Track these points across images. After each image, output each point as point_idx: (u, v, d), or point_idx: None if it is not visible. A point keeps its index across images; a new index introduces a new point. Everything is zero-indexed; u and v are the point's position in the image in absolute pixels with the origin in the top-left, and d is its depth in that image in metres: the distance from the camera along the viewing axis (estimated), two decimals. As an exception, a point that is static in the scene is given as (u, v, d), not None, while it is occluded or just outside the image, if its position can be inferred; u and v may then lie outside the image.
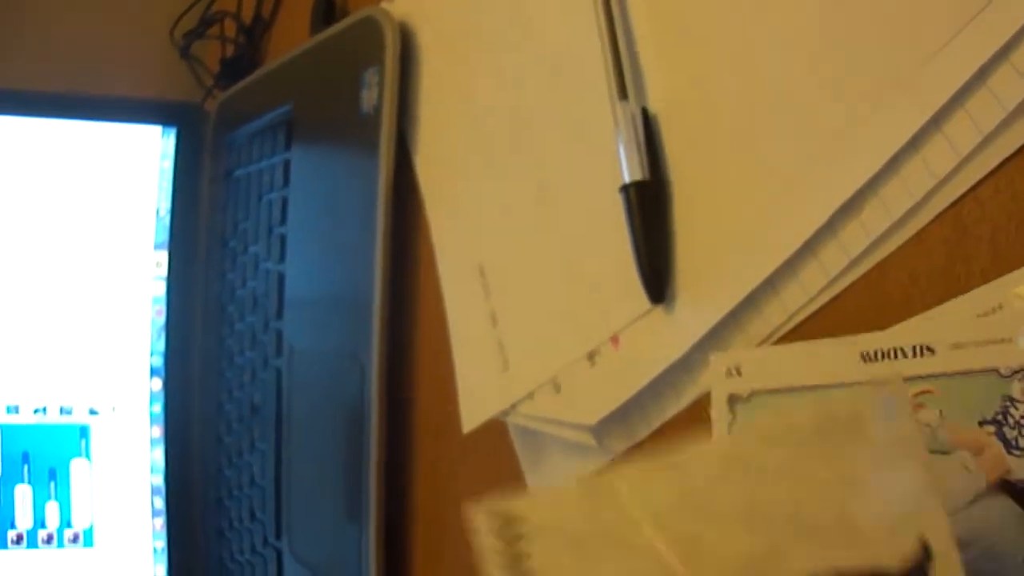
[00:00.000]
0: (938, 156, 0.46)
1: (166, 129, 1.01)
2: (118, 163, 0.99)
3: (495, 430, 0.68)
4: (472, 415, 0.70)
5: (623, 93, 0.58)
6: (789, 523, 0.37)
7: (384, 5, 0.83)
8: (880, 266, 0.48)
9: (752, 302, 0.52)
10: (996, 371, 0.45)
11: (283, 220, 0.90)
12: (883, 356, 0.46)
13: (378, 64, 0.80)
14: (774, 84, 0.53)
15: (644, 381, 0.56)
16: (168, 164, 1.01)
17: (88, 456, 0.96)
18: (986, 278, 0.45)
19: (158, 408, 1.00)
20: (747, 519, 0.38)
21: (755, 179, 0.53)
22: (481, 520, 0.41)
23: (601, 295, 0.61)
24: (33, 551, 0.95)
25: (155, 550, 0.98)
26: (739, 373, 0.51)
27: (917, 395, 0.47)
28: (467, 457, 0.73)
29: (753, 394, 0.50)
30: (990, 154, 0.45)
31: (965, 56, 0.45)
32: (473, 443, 0.71)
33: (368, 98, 0.79)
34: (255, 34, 1.09)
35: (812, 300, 0.50)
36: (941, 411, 0.47)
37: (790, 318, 0.51)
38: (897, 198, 0.47)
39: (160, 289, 1.00)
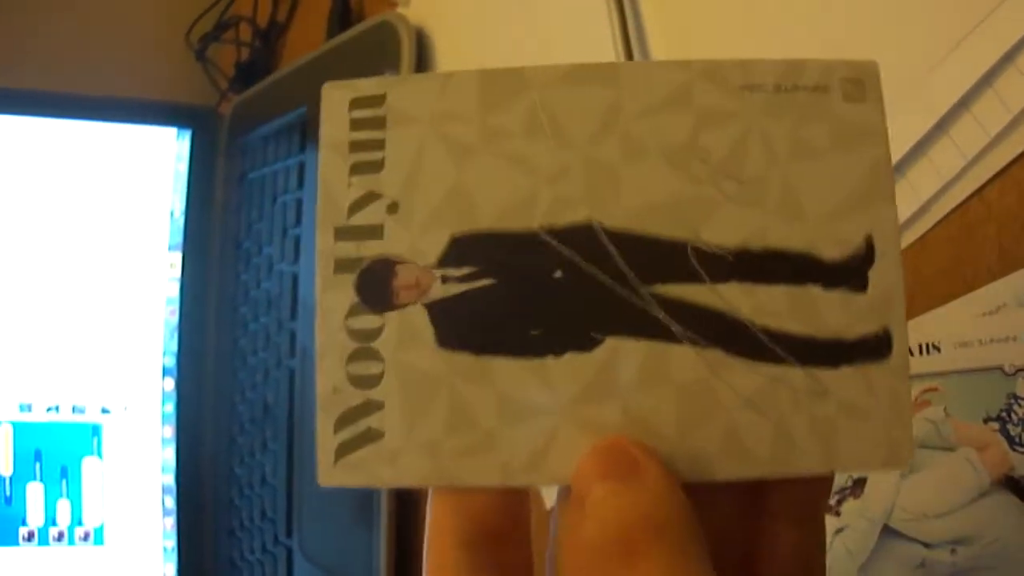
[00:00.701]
0: (945, 159, 0.47)
1: (181, 131, 1.02)
2: (133, 165, 0.99)
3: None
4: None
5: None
6: (726, 176, 0.34)
7: (400, 10, 0.84)
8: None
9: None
10: (1001, 369, 0.46)
11: (298, 222, 0.91)
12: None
13: (394, 68, 0.80)
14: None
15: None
16: (183, 166, 1.01)
17: (100, 455, 0.97)
18: (992, 277, 0.46)
19: (170, 408, 1.00)
20: (678, 161, 0.34)
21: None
22: (332, 97, 0.36)
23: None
24: (44, 548, 0.95)
25: (165, 549, 0.99)
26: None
27: (923, 392, 0.48)
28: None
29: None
30: (996, 156, 0.45)
31: (971, 60, 0.46)
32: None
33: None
34: (270, 38, 1.10)
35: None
36: (946, 408, 0.47)
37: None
38: (906, 200, 0.48)
39: (174, 290, 1.00)
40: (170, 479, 0.99)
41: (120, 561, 0.97)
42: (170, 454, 0.99)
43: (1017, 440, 0.46)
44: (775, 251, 0.33)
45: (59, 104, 0.98)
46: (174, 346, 1.00)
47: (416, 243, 0.34)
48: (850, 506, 0.52)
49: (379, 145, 0.35)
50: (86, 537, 0.96)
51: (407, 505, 0.78)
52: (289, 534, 0.87)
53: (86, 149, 0.98)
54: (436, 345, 0.34)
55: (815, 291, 0.33)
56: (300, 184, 0.90)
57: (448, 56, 0.81)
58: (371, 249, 0.34)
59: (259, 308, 0.95)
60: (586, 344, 0.33)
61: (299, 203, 0.91)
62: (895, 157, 0.47)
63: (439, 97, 0.35)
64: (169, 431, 1.00)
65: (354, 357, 0.34)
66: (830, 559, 0.51)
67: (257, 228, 0.97)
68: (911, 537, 0.49)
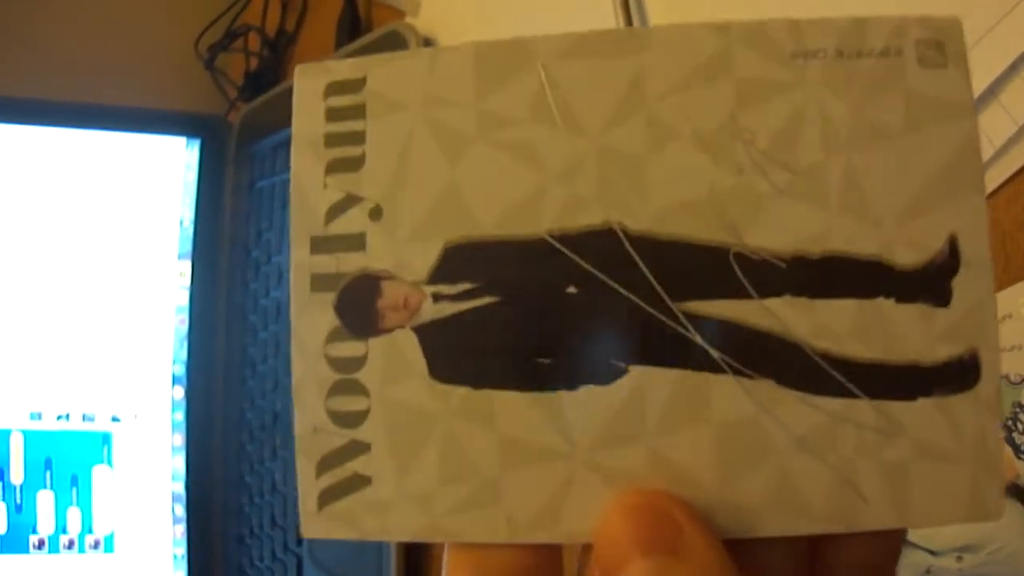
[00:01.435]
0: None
1: (190, 140, 1.02)
2: (142, 174, 0.99)
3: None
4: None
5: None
6: (775, 165, 0.27)
7: (409, 20, 0.84)
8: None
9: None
10: (1006, 378, 0.46)
11: (307, 230, 0.90)
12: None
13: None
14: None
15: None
16: (192, 175, 1.01)
17: (110, 463, 0.97)
18: (998, 287, 0.46)
19: (180, 416, 1.00)
20: (716, 147, 0.28)
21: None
22: (304, 84, 0.31)
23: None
24: (54, 556, 0.95)
25: (175, 556, 0.99)
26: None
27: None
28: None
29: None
30: (1001, 167, 0.46)
31: (975, 73, 0.46)
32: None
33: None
34: (279, 48, 1.10)
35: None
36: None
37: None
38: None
39: (183, 298, 1.00)
40: (180, 487, 0.99)
41: (130, 569, 0.97)
42: (180, 462, 0.99)
43: (1022, 448, 0.46)
44: (837, 257, 0.27)
45: (69, 114, 0.98)
46: (184, 354, 1.00)
47: (403, 255, 0.29)
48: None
49: (359, 138, 0.30)
50: (96, 545, 0.96)
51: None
52: (299, 542, 0.87)
53: (95, 158, 0.98)
54: (428, 377, 0.29)
55: (886, 306, 0.27)
56: (310, 193, 0.90)
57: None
58: (352, 263, 0.30)
59: (269, 316, 0.95)
60: (606, 375, 0.28)
61: (309, 212, 0.90)
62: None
63: (427, 78, 0.30)
64: (179, 439, 1.00)
65: (336, 390, 0.29)
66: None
67: (267, 237, 0.97)
68: (917, 545, 0.49)
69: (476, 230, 0.29)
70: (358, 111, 0.30)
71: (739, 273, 0.27)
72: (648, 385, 0.27)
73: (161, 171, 1.01)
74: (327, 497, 0.29)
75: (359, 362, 0.29)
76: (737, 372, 0.27)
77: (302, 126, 0.30)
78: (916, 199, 0.27)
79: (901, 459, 0.27)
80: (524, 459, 0.28)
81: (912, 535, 0.49)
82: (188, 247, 1.01)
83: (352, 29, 0.94)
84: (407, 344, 0.29)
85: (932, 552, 0.49)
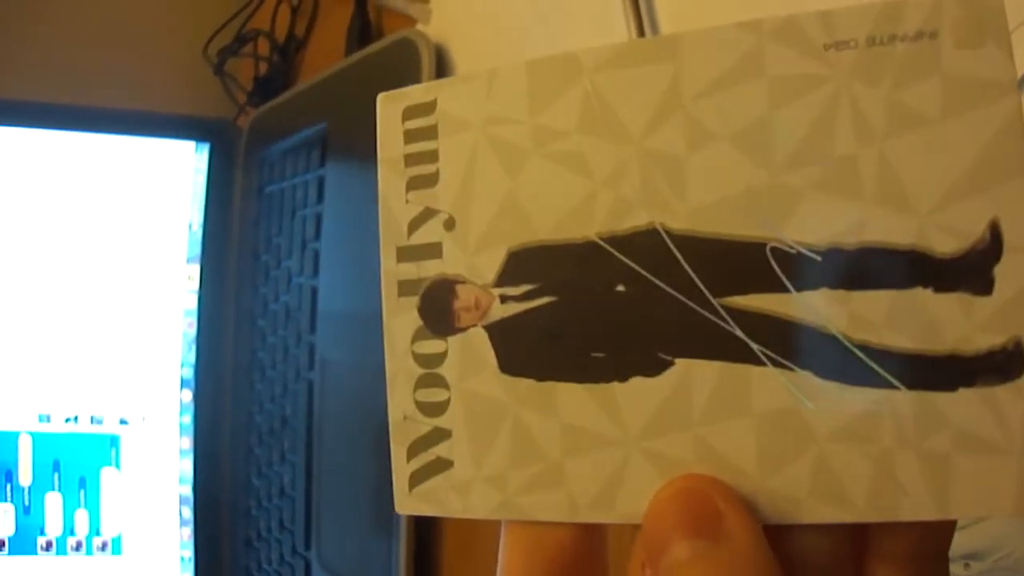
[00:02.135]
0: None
1: (199, 145, 1.02)
2: (151, 178, 1.00)
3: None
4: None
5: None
6: (810, 159, 0.27)
7: (420, 27, 0.84)
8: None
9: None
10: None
11: (317, 235, 0.91)
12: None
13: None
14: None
15: None
16: (201, 179, 1.02)
17: (118, 465, 0.97)
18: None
19: (188, 419, 1.00)
20: (751, 145, 0.28)
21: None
22: (387, 109, 0.34)
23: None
24: (62, 558, 0.95)
25: (183, 559, 0.99)
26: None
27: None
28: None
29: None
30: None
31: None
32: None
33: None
34: (288, 53, 1.10)
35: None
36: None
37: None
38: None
39: (192, 302, 1.01)
40: (187, 490, 1.00)
41: (138, 571, 0.98)
42: (187, 465, 1.00)
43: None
44: (875, 247, 0.27)
45: (78, 117, 0.99)
46: (192, 358, 1.01)
47: (473, 261, 0.32)
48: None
49: (433, 156, 0.32)
50: (104, 547, 0.96)
51: (426, 517, 0.78)
52: (307, 545, 0.88)
53: (105, 162, 0.98)
54: (498, 371, 0.31)
55: (925, 295, 0.26)
56: (320, 199, 0.91)
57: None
58: (430, 269, 0.32)
59: (278, 321, 0.96)
60: (654, 367, 0.29)
61: (319, 217, 0.91)
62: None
63: (487, 97, 0.32)
64: (187, 442, 1.00)
65: (421, 383, 0.32)
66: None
67: (276, 242, 0.97)
68: (926, 552, 0.49)
69: (534, 236, 0.31)
70: (431, 131, 0.32)
71: (776, 267, 0.28)
72: (693, 377, 0.29)
73: (170, 175, 1.01)
74: (416, 479, 0.32)
75: (440, 358, 0.32)
76: (777, 364, 0.28)
77: (387, 148, 0.33)
78: (955, 185, 0.26)
79: (943, 450, 0.26)
80: (583, 445, 0.30)
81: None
82: (197, 251, 1.01)
83: (362, 35, 0.94)
84: (479, 341, 0.32)
85: (940, 560, 0.49)
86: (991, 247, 0.26)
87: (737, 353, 0.28)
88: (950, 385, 0.26)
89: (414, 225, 0.33)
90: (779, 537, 0.27)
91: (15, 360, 0.95)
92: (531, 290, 0.31)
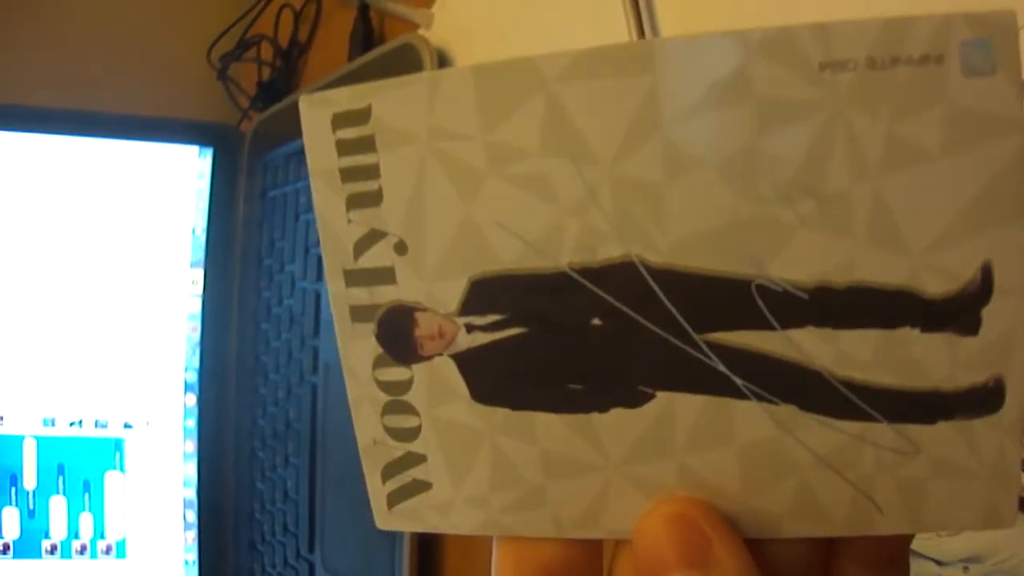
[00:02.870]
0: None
1: (203, 150, 1.02)
2: (155, 182, 1.00)
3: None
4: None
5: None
6: (800, 192, 0.25)
7: (422, 32, 0.84)
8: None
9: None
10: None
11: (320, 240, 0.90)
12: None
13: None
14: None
15: None
16: (204, 184, 1.02)
17: (122, 469, 0.97)
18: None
19: (192, 423, 1.01)
20: (736, 174, 0.26)
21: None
22: (311, 116, 0.29)
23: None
24: (67, 561, 0.95)
25: (187, 562, 0.99)
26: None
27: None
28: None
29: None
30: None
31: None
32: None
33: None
34: (291, 58, 1.10)
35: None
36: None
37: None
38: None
39: (195, 306, 1.01)
40: (192, 493, 1.00)
41: (142, 574, 0.98)
42: (192, 468, 1.00)
43: (1028, 462, 0.46)
44: (864, 288, 0.26)
45: (81, 122, 0.99)
46: (196, 362, 1.01)
47: (432, 289, 0.29)
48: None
49: (373, 172, 0.29)
50: (108, 550, 0.96)
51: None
52: (311, 549, 0.88)
53: (108, 167, 0.99)
54: (471, 399, 0.29)
55: (913, 335, 0.26)
56: (323, 203, 0.90)
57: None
58: (385, 295, 0.30)
59: (281, 325, 0.96)
60: (635, 400, 0.28)
61: (322, 222, 0.90)
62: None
63: (429, 107, 0.28)
64: (191, 446, 1.00)
65: (389, 409, 0.30)
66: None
67: (280, 246, 0.98)
68: (925, 555, 0.49)
69: (498, 265, 0.28)
70: (368, 143, 0.29)
71: (761, 305, 0.26)
72: (675, 409, 0.28)
73: (174, 180, 1.01)
74: (394, 499, 0.31)
75: (406, 385, 0.30)
76: (760, 398, 0.27)
77: (316, 161, 0.30)
78: (950, 226, 0.25)
79: (919, 476, 0.26)
80: (565, 470, 0.29)
81: (919, 546, 0.50)
82: (200, 255, 1.02)
83: (365, 41, 0.94)
84: (447, 370, 0.30)
85: (938, 562, 0.49)
86: (981, 289, 0.25)
87: (720, 387, 0.27)
88: (930, 419, 0.26)
89: (360, 247, 0.30)
90: (756, 546, 0.28)
91: (20, 364, 0.95)
92: (499, 320, 0.29)
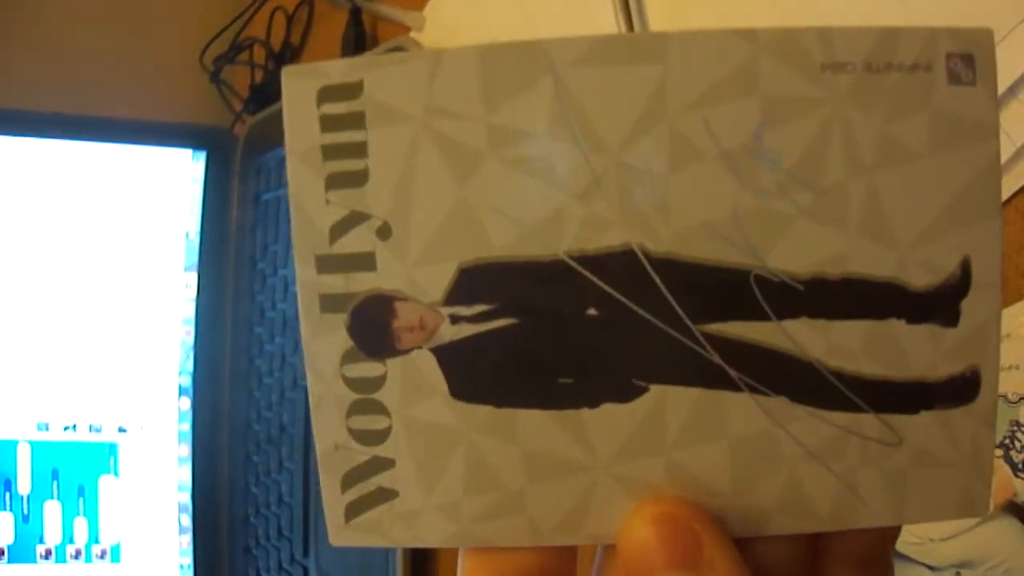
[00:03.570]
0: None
1: (196, 153, 1.02)
2: (148, 186, 1.00)
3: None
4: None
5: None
6: (799, 185, 0.26)
7: (414, 34, 0.84)
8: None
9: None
10: (1004, 397, 0.46)
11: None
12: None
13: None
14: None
15: None
16: (198, 187, 1.02)
17: (116, 473, 0.97)
18: (995, 307, 0.46)
19: (186, 427, 1.00)
20: (739, 166, 0.27)
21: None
22: (294, 88, 0.28)
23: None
24: (61, 566, 0.95)
25: (181, 566, 0.99)
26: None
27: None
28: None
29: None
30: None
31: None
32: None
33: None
34: (284, 61, 1.10)
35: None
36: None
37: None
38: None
39: (189, 310, 1.01)
40: (186, 497, 1.00)
41: (137, 578, 0.98)
42: (186, 473, 1.00)
43: (1020, 467, 0.46)
44: (856, 279, 0.27)
45: (74, 126, 0.99)
46: (190, 366, 1.01)
47: (416, 276, 0.28)
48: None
49: (360, 150, 0.28)
50: (103, 555, 0.96)
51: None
52: (306, 552, 0.88)
53: (102, 171, 0.98)
54: (449, 396, 0.28)
55: (899, 326, 0.27)
56: (316, 206, 0.90)
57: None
58: (362, 283, 0.28)
59: (275, 329, 0.96)
60: (627, 394, 0.28)
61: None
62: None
63: (429, 85, 0.27)
64: (185, 450, 1.00)
65: (355, 409, 0.29)
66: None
67: (273, 249, 0.98)
68: (917, 561, 0.49)
69: (491, 251, 0.27)
70: (357, 120, 0.28)
71: (759, 295, 0.27)
72: (668, 403, 0.28)
73: (167, 183, 1.01)
74: (354, 510, 0.29)
75: (378, 382, 0.29)
76: (753, 390, 0.27)
77: (295, 137, 0.28)
78: (934, 222, 0.27)
79: (901, 467, 0.27)
80: (548, 471, 0.28)
81: (911, 552, 0.50)
82: (194, 259, 1.01)
83: (357, 43, 0.94)
84: (426, 364, 0.28)
85: (931, 568, 0.49)
86: (961, 282, 0.27)
87: (715, 379, 0.28)
88: (912, 409, 0.28)
89: (338, 231, 0.28)
90: (742, 547, 0.28)
91: (13, 368, 0.95)
92: (487, 311, 0.28)
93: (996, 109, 0.27)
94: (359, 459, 0.29)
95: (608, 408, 0.28)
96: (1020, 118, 0.46)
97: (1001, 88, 0.46)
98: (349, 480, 0.29)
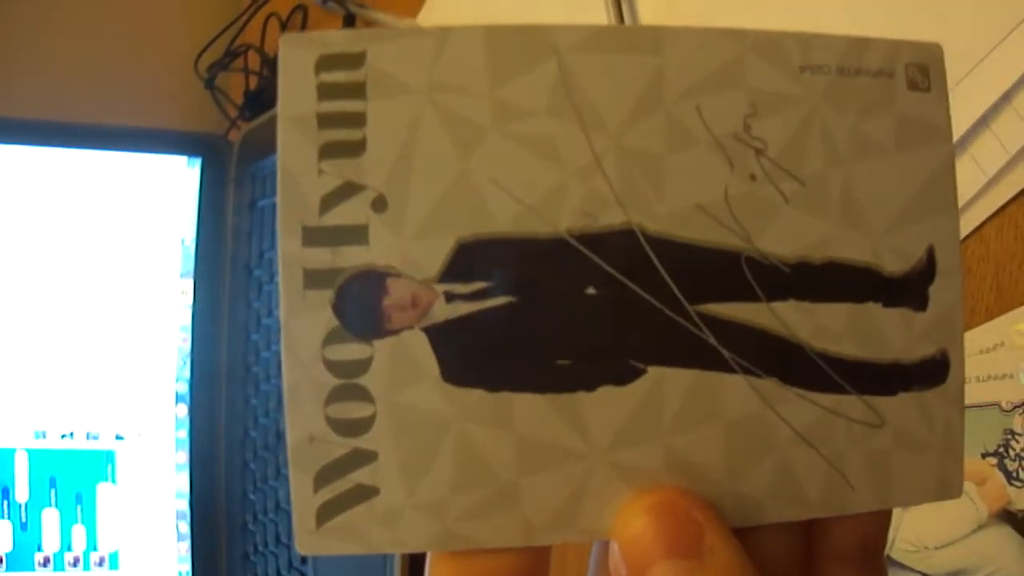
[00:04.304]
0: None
1: (191, 160, 1.02)
2: (144, 193, 1.00)
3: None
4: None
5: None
6: (785, 174, 0.28)
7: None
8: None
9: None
10: (998, 405, 0.47)
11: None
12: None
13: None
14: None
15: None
16: (193, 194, 1.02)
17: (114, 481, 0.97)
18: (989, 316, 0.46)
19: (183, 434, 1.00)
20: (730, 153, 0.28)
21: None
22: (292, 55, 0.27)
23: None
24: (60, 574, 0.95)
25: (180, 573, 0.99)
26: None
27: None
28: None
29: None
30: (993, 196, 0.46)
31: (968, 102, 0.47)
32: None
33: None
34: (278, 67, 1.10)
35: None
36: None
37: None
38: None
39: (186, 317, 1.01)
40: (184, 504, 1.00)
41: (135, 586, 0.98)
42: (184, 480, 1.00)
43: (1014, 475, 0.46)
44: (837, 264, 0.29)
45: (69, 134, 0.99)
46: (187, 373, 1.01)
47: (411, 250, 0.27)
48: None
49: (358, 120, 0.27)
50: (101, 562, 0.96)
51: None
52: (304, 559, 0.88)
53: (97, 178, 0.98)
54: (440, 380, 0.27)
55: (876, 309, 0.29)
56: (311, 214, 0.90)
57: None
58: (352, 258, 0.27)
59: (272, 335, 0.96)
60: (625, 375, 0.27)
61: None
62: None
63: (434, 61, 0.27)
64: (183, 457, 1.00)
65: (335, 396, 0.27)
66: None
67: (269, 256, 0.98)
68: (912, 568, 0.49)
69: (490, 227, 0.27)
70: (357, 90, 0.27)
71: (749, 277, 0.28)
72: (664, 385, 0.28)
73: (162, 190, 1.01)
74: (327, 512, 0.27)
75: (363, 365, 0.27)
76: (747, 371, 0.28)
77: (290, 104, 0.27)
78: (902, 212, 0.29)
79: (884, 449, 0.29)
80: (542, 460, 0.27)
81: (906, 560, 0.50)
82: (190, 266, 1.01)
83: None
84: (417, 346, 0.27)
85: (926, 576, 0.49)
86: (927, 269, 0.29)
87: (710, 361, 0.28)
88: (891, 390, 0.29)
89: (329, 202, 0.27)
90: (741, 541, 0.27)
91: (10, 377, 0.95)
92: (484, 288, 0.27)
93: (948, 114, 0.30)
94: (337, 452, 0.27)
95: (605, 391, 0.28)
96: (1013, 127, 0.46)
97: (994, 96, 0.46)
98: (324, 477, 0.27)
